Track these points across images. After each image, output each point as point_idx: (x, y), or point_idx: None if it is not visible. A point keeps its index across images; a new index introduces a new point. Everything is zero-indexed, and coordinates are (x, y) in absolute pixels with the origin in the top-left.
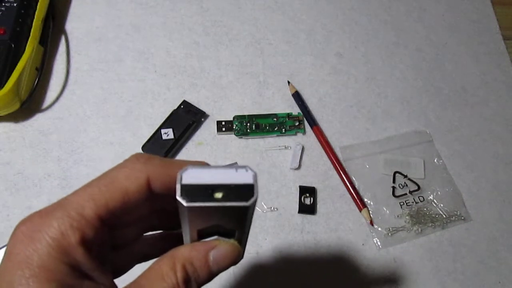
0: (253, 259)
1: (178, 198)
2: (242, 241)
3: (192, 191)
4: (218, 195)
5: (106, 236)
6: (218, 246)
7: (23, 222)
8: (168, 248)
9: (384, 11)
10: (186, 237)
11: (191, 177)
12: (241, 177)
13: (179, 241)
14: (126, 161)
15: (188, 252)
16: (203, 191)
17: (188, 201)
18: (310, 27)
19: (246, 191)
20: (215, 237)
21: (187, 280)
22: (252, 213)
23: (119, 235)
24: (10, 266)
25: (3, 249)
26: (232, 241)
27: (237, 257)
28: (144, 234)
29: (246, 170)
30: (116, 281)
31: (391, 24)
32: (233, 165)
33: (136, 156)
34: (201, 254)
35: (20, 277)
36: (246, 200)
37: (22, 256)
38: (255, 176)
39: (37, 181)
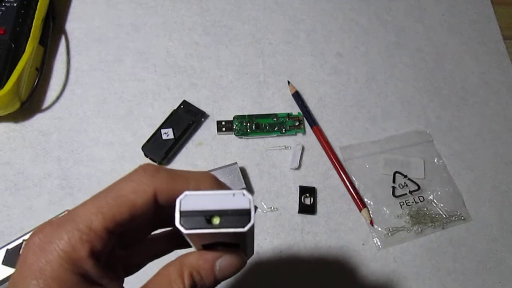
0: (253, 259)
1: (177, 225)
2: (247, 251)
3: (190, 217)
4: (216, 220)
5: (114, 243)
6: (224, 256)
7: (35, 233)
8: (178, 245)
9: (384, 11)
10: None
11: (189, 203)
12: (238, 202)
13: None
14: (133, 173)
15: (196, 261)
16: (201, 217)
17: (186, 228)
18: (310, 27)
19: (243, 215)
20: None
21: (193, 287)
22: (253, 232)
23: (127, 237)
24: (25, 276)
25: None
26: (237, 250)
27: (242, 266)
28: (153, 233)
29: (243, 195)
30: (126, 284)
31: (391, 24)
32: (231, 190)
33: (143, 168)
34: (208, 264)
35: (35, 286)
36: (243, 226)
37: (36, 267)
38: (251, 201)
39: (37, 181)
